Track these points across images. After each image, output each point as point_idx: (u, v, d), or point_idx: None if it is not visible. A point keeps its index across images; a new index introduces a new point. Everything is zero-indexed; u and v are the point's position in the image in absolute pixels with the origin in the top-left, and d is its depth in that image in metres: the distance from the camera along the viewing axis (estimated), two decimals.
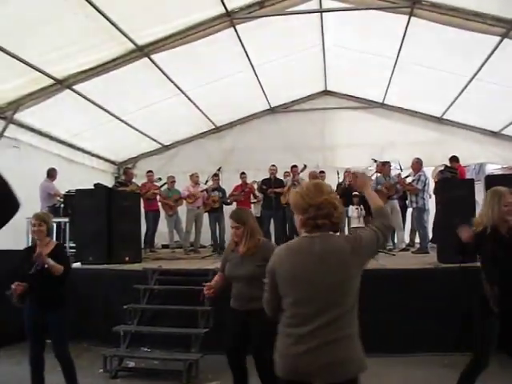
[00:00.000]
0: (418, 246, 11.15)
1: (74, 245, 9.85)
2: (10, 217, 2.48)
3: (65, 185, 11.06)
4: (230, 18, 10.38)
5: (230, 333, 4.85)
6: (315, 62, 13.48)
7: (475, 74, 11.03)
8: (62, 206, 10.80)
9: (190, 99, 13.20)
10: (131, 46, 10.16)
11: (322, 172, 12.99)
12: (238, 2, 10.27)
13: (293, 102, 15.86)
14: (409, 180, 11.01)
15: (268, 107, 15.79)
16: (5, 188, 2.40)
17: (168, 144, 16.19)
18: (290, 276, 2.86)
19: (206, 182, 12.66)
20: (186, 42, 10.40)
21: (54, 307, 5.13)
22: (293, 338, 2.80)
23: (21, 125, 11.22)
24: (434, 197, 9.60)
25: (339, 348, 2.76)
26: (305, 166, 12.08)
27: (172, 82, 11.94)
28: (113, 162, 15.97)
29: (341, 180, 12.83)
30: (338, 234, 3.02)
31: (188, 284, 7.18)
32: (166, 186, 12.83)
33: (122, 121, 13.12)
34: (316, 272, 2.79)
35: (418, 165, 10.92)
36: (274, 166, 12.44)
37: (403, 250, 11.09)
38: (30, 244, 9.98)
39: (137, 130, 14.06)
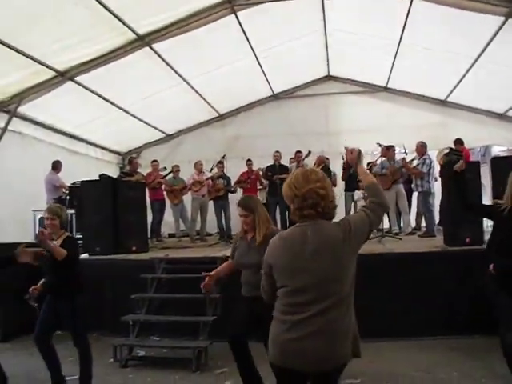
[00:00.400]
0: (424, 229, 11.14)
1: (80, 236, 9.86)
2: None
3: (70, 177, 11.08)
4: (230, 5, 10.33)
5: (235, 319, 4.87)
6: (317, 47, 13.41)
7: (479, 56, 10.94)
8: (68, 197, 10.83)
9: (192, 87, 13.18)
10: (132, 36, 10.14)
11: (327, 158, 12.95)
12: None
13: (296, 87, 15.80)
14: (414, 164, 10.97)
15: (271, 94, 15.75)
16: None
17: (172, 133, 16.19)
18: (285, 266, 2.87)
19: (211, 169, 12.65)
20: (187, 30, 10.36)
21: (66, 297, 5.16)
22: (287, 324, 2.82)
23: (24, 118, 11.28)
24: (439, 180, 9.58)
25: (332, 336, 2.77)
26: (309, 152, 12.02)
27: (174, 70, 11.92)
28: (117, 153, 15.99)
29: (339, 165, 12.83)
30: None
31: (195, 272, 7.13)
32: (171, 175, 12.82)
33: (125, 111, 13.12)
34: (310, 261, 2.79)
35: (422, 148, 10.88)
36: (278, 152, 12.42)
37: (409, 233, 11.06)
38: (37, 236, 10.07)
39: (140, 119, 14.06)
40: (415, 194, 11.62)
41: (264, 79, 14.32)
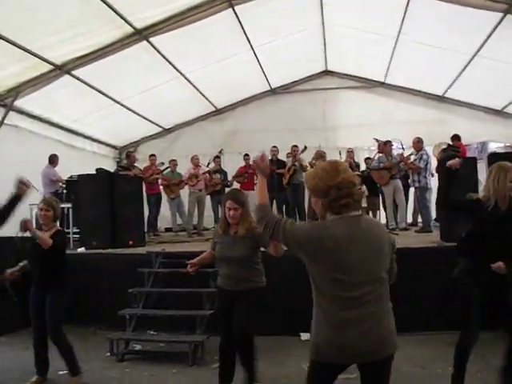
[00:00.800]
0: (421, 225, 11.16)
1: (77, 230, 9.88)
2: None
3: (67, 171, 11.04)
4: None
5: (221, 313, 4.94)
6: (315, 42, 13.40)
7: (477, 52, 10.96)
8: (65, 191, 10.81)
9: (190, 82, 13.15)
10: (130, 30, 10.10)
11: (324, 153, 12.94)
12: None
13: (293, 82, 15.77)
14: (411, 159, 10.99)
15: (269, 88, 15.72)
16: None
17: (169, 127, 16.15)
18: (342, 259, 2.76)
19: (208, 164, 12.66)
20: (184, 24, 10.33)
21: (51, 289, 5.21)
22: (342, 321, 2.77)
23: (21, 111, 11.23)
24: (436, 175, 9.60)
25: (387, 324, 2.88)
26: (305, 147, 12.03)
27: (172, 64, 11.90)
28: (114, 147, 15.95)
29: (343, 160, 12.81)
30: None
31: None
32: (168, 170, 12.81)
33: (123, 105, 13.09)
34: (365, 255, 2.80)
35: (419, 144, 10.89)
36: (275, 147, 12.45)
37: (404, 229, 11.07)
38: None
39: (137, 113, 14.03)
40: (412, 190, 11.64)
41: (261, 74, 14.30)
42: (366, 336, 2.76)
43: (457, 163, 4.77)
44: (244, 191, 12.54)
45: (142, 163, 13.18)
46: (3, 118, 10.61)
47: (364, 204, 12.23)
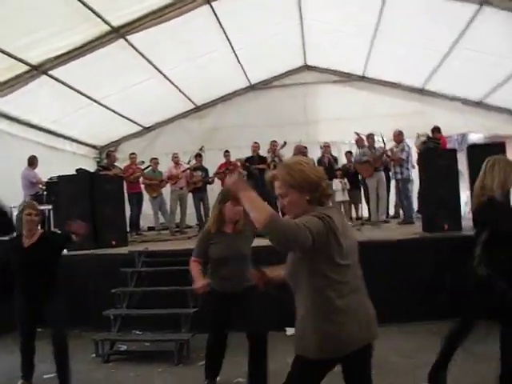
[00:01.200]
0: (403, 217, 11.22)
1: (59, 232, 9.77)
2: None
3: (46, 172, 10.92)
4: None
5: (216, 313, 4.86)
6: (293, 37, 13.42)
7: (455, 43, 11.02)
8: (45, 193, 10.71)
9: (168, 79, 13.11)
10: (106, 28, 10.03)
11: (305, 147, 12.95)
12: None
13: (273, 77, 15.76)
14: (394, 151, 11.05)
15: (248, 84, 15.71)
16: None
17: (149, 126, 16.07)
18: (348, 243, 2.77)
19: (189, 161, 12.61)
20: (161, 21, 10.28)
21: (51, 294, 5.10)
22: (346, 309, 2.74)
23: None
24: (417, 167, 9.66)
25: (371, 309, 2.97)
26: (285, 143, 12.03)
27: (150, 62, 11.84)
28: (94, 147, 15.82)
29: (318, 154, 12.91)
30: None
31: (175, 265, 7.16)
32: (149, 168, 12.74)
33: (101, 104, 12.99)
34: (354, 241, 2.91)
35: (399, 136, 10.99)
36: (256, 143, 12.44)
37: (385, 221, 11.12)
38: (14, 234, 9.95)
39: (117, 112, 13.94)
40: (393, 182, 11.70)
41: (241, 70, 14.29)
42: (362, 322, 2.77)
43: None
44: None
45: (122, 162, 13.07)
46: None
47: (346, 197, 12.28)
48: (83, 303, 7.71)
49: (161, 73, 12.57)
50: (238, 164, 12.54)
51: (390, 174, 11.71)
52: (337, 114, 14.48)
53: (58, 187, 9.83)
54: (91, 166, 13.68)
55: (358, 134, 11.70)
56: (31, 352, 5.26)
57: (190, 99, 15.21)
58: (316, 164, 12.46)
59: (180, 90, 14.16)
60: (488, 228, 4.22)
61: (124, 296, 7.36)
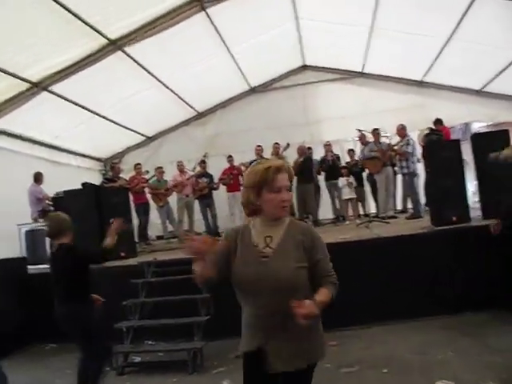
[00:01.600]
0: (411, 211, 11.18)
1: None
2: None
3: (53, 187, 10.94)
4: (199, 2, 10.32)
5: None
6: (290, 38, 13.42)
7: (452, 34, 11.02)
8: (52, 208, 10.73)
9: (168, 88, 13.13)
10: (104, 41, 10.07)
11: (309, 148, 12.96)
12: None
13: (272, 80, 15.77)
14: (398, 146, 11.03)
15: (248, 88, 15.71)
16: None
17: (152, 135, 16.10)
18: None
19: (194, 169, 12.63)
20: (158, 31, 10.31)
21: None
22: None
23: (1, 132, 11.13)
24: (422, 161, 9.62)
25: None
26: (288, 145, 12.01)
27: (149, 72, 11.87)
28: (98, 159, 15.85)
29: (322, 154, 12.92)
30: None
31: (185, 273, 7.11)
32: (155, 178, 12.75)
33: (103, 117, 13.02)
34: None
35: (403, 131, 10.96)
36: (259, 146, 12.43)
37: (393, 217, 11.08)
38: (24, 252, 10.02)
39: (119, 124, 13.97)
40: (399, 177, 11.68)
41: (240, 74, 14.30)
42: None
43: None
44: (230, 193, 12.67)
45: (127, 173, 13.09)
46: None
47: (353, 195, 12.27)
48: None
49: (160, 82, 12.59)
50: (242, 168, 12.54)
51: (396, 168, 11.68)
52: (338, 112, 14.49)
53: (64, 202, 9.84)
54: (97, 179, 13.71)
55: (360, 131, 11.67)
56: None
57: (191, 106, 15.23)
58: (320, 164, 12.51)
59: (181, 98, 14.18)
60: None
61: (135, 307, 7.36)
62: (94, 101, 12.11)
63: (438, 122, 11.25)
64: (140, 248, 11.13)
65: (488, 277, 6.80)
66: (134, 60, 11.08)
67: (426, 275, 7.06)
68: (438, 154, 8.17)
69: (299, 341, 2.67)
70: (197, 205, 12.59)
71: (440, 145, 8.90)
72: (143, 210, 12.49)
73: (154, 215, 13.01)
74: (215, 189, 12.61)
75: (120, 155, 16.07)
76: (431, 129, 10.37)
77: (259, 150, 12.37)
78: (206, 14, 10.60)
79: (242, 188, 2.80)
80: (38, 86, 10.41)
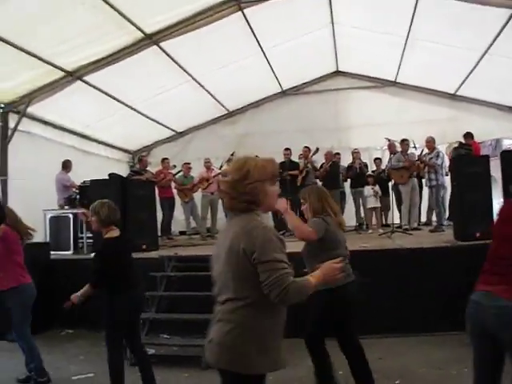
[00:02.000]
0: (435, 224, 11.10)
1: (90, 235, 9.92)
2: None
3: (80, 176, 11.12)
4: (237, 2, 10.34)
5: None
6: (325, 43, 13.37)
7: (488, 48, 10.87)
8: (78, 196, 10.88)
9: (201, 85, 13.21)
10: (140, 35, 10.17)
11: (337, 153, 12.94)
12: None
13: (304, 83, 15.76)
14: (427, 158, 10.95)
15: (280, 90, 15.72)
16: None
17: (182, 131, 16.22)
18: None
19: (221, 167, 12.68)
20: (194, 28, 10.37)
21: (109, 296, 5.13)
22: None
23: (34, 118, 11.34)
24: (449, 174, 9.55)
25: None
26: (317, 149, 12.04)
27: (182, 68, 11.96)
28: (127, 151, 16.03)
29: (350, 161, 12.88)
30: None
31: (205, 270, 7.15)
32: (181, 173, 12.84)
33: (135, 110, 13.17)
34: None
35: (431, 143, 10.92)
36: (287, 149, 12.44)
37: (416, 228, 11.00)
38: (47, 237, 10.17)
39: (150, 118, 14.11)
40: (425, 189, 11.60)
41: (272, 76, 14.31)
42: None
43: None
44: None
45: (154, 167, 13.20)
46: (16, 125, 10.73)
47: (378, 204, 12.22)
48: None
49: (193, 79, 12.67)
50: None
51: (424, 180, 11.60)
52: (368, 119, 14.42)
53: (90, 191, 9.97)
54: (124, 171, 13.85)
55: (388, 140, 11.62)
56: None
57: (222, 105, 15.32)
58: (346, 170, 12.49)
59: (212, 96, 14.26)
60: None
61: (153, 300, 7.43)
62: (126, 93, 12.26)
63: (469, 136, 11.14)
64: (162, 242, 11.21)
65: None
66: (169, 55, 11.17)
67: (445, 290, 6.99)
68: (466, 168, 8.10)
69: None
70: (221, 203, 12.64)
71: (468, 159, 8.82)
72: (168, 205, 12.59)
73: (179, 211, 13.09)
74: None
75: (148, 148, 16.23)
76: (460, 143, 10.30)
77: (287, 155, 12.37)
78: (243, 13, 10.63)
79: (244, 183, 2.74)
80: (73, 75, 10.58)
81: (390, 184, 11.83)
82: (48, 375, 5.58)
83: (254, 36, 11.61)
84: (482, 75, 12.22)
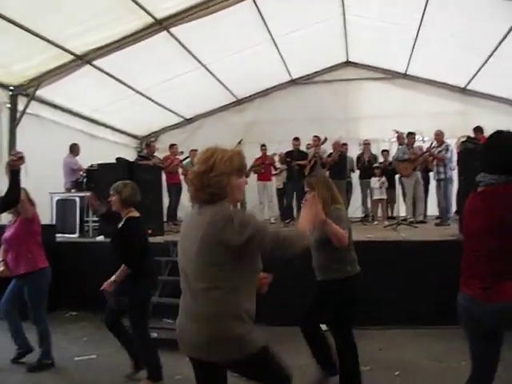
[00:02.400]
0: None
1: (97, 219, 9.96)
2: None
3: (88, 160, 11.13)
4: None
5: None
6: (336, 33, 13.30)
7: (500, 43, 10.80)
8: (85, 180, 10.91)
9: (210, 72, 13.20)
10: (150, 20, 10.15)
11: (345, 144, 12.90)
12: None
13: (314, 73, 15.72)
14: (436, 151, 10.91)
15: (289, 79, 15.69)
16: None
17: (190, 117, 16.24)
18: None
19: None
20: (204, 14, 10.31)
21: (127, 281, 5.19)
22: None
23: (43, 101, 11.39)
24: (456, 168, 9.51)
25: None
26: (325, 139, 12.00)
27: (192, 54, 11.94)
28: (135, 137, 16.07)
29: (360, 152, 12.83)
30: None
31: None
32: (188, 160, 12.84)
33: (143, 95, 13.18)
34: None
35: (440, 136, 10.92)
36: (297, 139, 12.39)
37: (421, 222, 10.98)
38: (54, 219, 10.22)
39: (158, 104, 14.13)
40: (433, 183, 11.55)
41: (282, 64, 14.28)
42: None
43: None
44: (261, 182, 12.69)
45: (162, 153, 13.22)
46: (25, 108, 10.79)
47: (384, 196, 12.20)
48: None
49: (203, 65, 12.65)
50: (276, 159, 12.58)
51: (431, 174, 11.56)
52: (378, 111, 14.38)
53: (97, 175, 10.00)
54: (132, 156, 13.83)
55: (397, 132, 11.57)
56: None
57: (231, 92, 15.31)
58: (355, 162, 12.46)
59: (221, 83, 14.25)
60: None
61: (157, 284, 7.46)
62: (135, 78, 12.27)
63: (478, 130, 11.06)
64: (168, 227, 11.24)
65: None
66: (179, 41, 11.15)
67: (449, 283, 6.94)
68: (473, 162, 8.03)
69: None
70: None
71: (476, 153, 8.74)
72: (175, 191, 12.60)
73: (184, 197, 13.10)
74: (246, 176, 12.64)
75: (156, 134, 16.28)
76: (469, 137, 10.22)
77: (296, 145, 12.34)
78: (254, 1, 10.59)
79: (209, 175, 2.75)
80: (82, 59, 10.60)
81: (397, 176, 11.80)
82: (53, 359, 5.65)
83: (265, 23, 11.57)
84: (493, 70, 12.14)
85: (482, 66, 12.28)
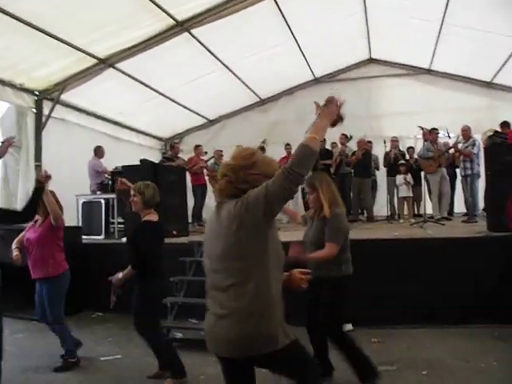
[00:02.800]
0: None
1: (122, 220, 10.04)
2: None
3: (113, 162, 11.23)
4: None
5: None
6: (358, 30, 13.21)
7: None
8: (110, 182, 11.00)
9: (233, 72, 13.21)
10: (171, 22, 10.19)
11: (370, 142, 12.80)
12: None
13: (337, 71, 15.65)
14: (460, 146, 10.77)
15: (312, 77, 15.63)
16: None
17: (214, 118, 16.28)
18: None
19: None
20: (225, 15, 10.32)
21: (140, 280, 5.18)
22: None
23: (67, 105, 11.55)
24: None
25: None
26: (350, 137, 11.92)
27: (214, 55, 11.96)
28: (159, 139, 16.18)
29: (387, 149, 12.66)
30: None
31: None
32: (212, 160, 12.86)
33: (167, 97, 13.26)
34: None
35: (467, 132, 10.76)
36: (322, 140, 12.31)
37: (445, 218, 10.84)
38: (80, 221, 10.33)
39: (182, 105, 14.20)
40: (459, 179, 11.41)
41: (305, 63, 14.24)
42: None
43: None
44: None
45: (186, 154, 13.26)
46: (50, 112, 10.95)
47: (410, 193, 12.08)
48: None
49: (225, 66, 12.68)
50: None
51: (458, 170, 11.41)
52: (401, 108, 14.21)
53: (121, 177, 10.05)
54: (156, 158, 13.90)
55: (422, 128, 11.42)
56: None
57: (254, 92, 15.30)
58: (383, 159, 12.34)
59: (244, 83, 14.25)
60: None
61: (182, 285, 7.48)
62: (158, 80, 12.36)
63: (505, 124, 10.86)
64: (192, 228, 11.28)
65: None
66: (201, 42, 11.18)
67: (477, 281, 6.87)
68: (501, 157, 7.90)
69: None
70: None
71: (504, 148, 8.60)
72: (200, 192, 12.61)
73: (210, 198, 13.13)
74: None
75: (180, 136, 16.36)
76: (496, 131, 10.06)
77: (322, 142, 12.26)
78: (275, 1, 10.57)
79: (248, 171, 2.79)
80: (105, 63, 10.71)
81: (423, 174, 11.67)
82: (78, 357, 5.70)
83: (286, 23, 11.54)
84: None
85: (508, 58, 12.06)
